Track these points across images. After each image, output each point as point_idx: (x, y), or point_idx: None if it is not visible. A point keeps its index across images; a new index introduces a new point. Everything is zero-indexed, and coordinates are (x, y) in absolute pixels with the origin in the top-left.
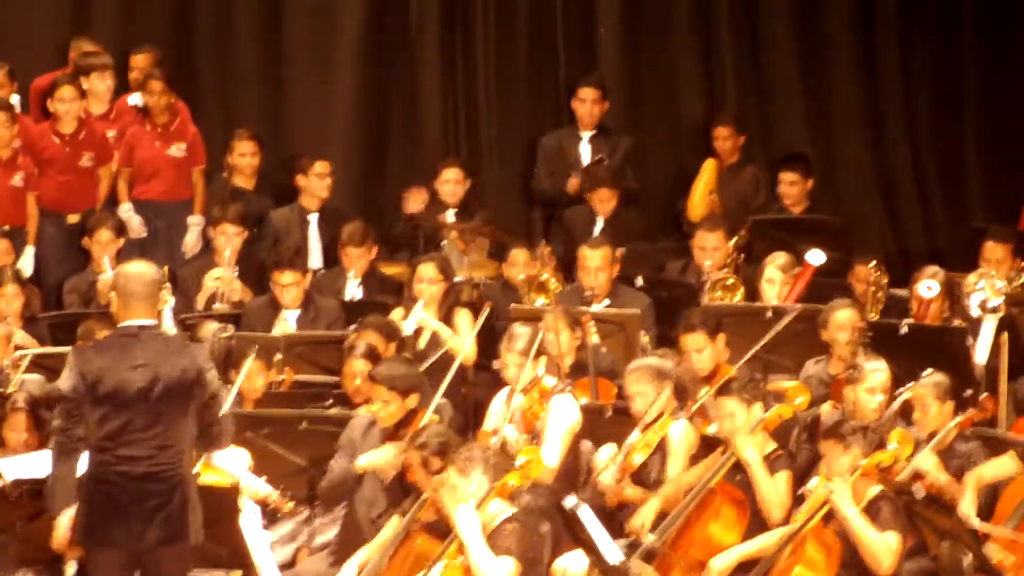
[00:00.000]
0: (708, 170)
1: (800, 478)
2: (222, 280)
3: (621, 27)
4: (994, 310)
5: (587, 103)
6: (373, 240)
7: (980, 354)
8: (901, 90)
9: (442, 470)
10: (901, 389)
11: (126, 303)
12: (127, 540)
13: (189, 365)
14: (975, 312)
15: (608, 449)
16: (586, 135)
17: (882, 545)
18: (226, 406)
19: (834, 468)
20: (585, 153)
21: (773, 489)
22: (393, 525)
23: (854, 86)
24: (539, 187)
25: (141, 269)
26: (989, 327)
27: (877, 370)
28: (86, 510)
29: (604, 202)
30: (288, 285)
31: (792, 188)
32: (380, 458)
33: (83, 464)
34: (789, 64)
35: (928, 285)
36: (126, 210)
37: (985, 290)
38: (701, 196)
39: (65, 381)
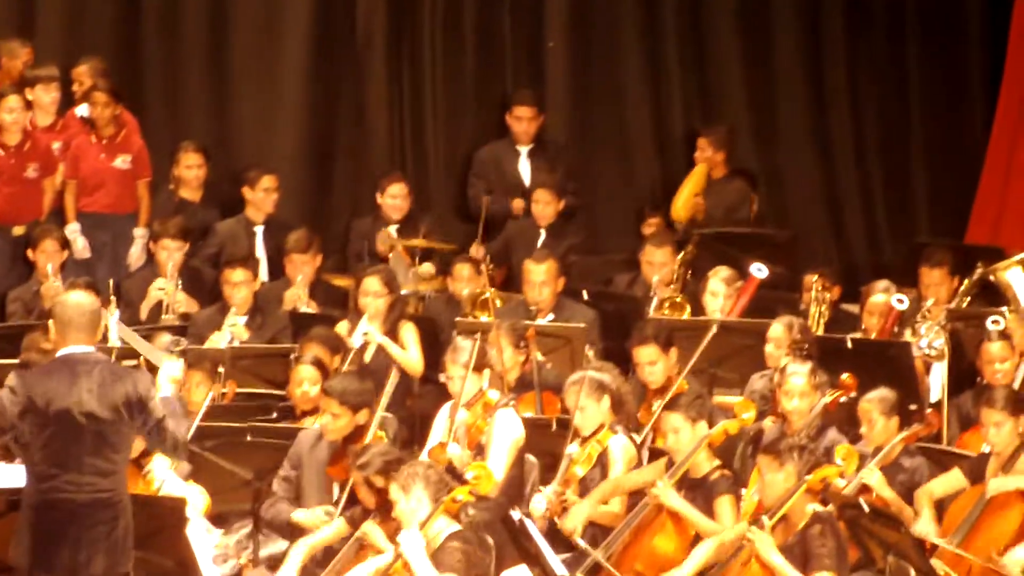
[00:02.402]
0: (697, 174)
1: None
2: (165, 292)
3: (568, 41)
4: (939, 350)
5: (523, 121)
6: (318, 248)
7: (934, 394)
8: (847, 105)
9: (386, 491)
10: (826, 396)
11: (64, 331)
12: (72, 568)
13: (132, 392)
14: (925, 352)
15: (542, 497)
16: (524, 150)
17: None
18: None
19: (768, 483)
20: (524, 169)
21: (711, 526)
22: (337, 526)
23: (800, 101)
24: (476, 202)
25: (80, 299)
26: (939, 368)
27: (793, 373)
28: (30, 536)
29: (541, 204)
30: (239, 284)
31: None
32: (325, 535)
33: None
34: (736, 79)
35: (899, 299)
36: (73, 230)
37: (928, 334)
38: (686, 198)
39: (5, 404)
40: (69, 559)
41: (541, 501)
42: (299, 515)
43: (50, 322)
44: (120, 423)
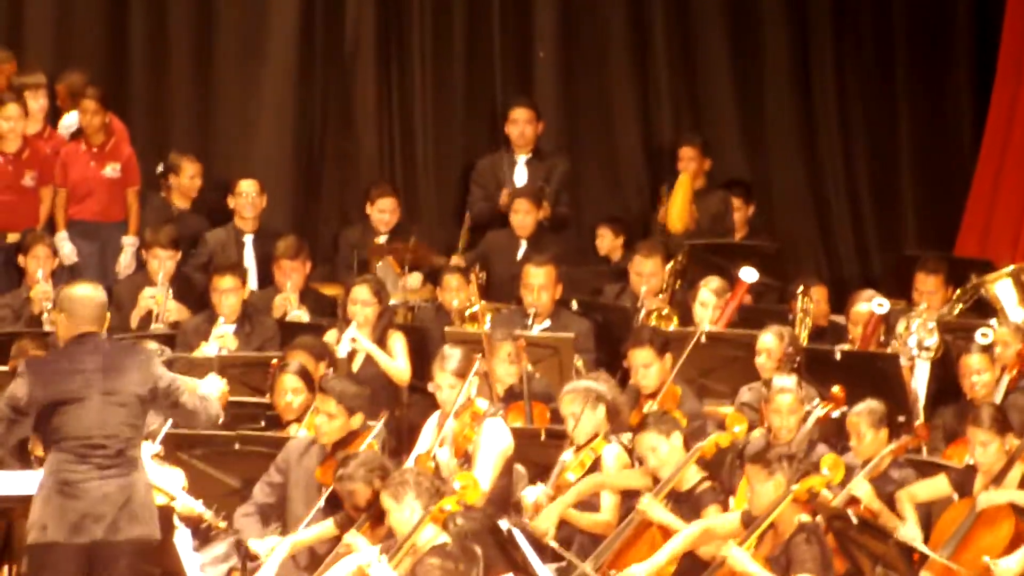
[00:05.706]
0: (685, 183)
1: None
2: (156, 300)
3: (558, 50)
4: (929, 349)
5: (519, 124)
6: (307, 255)
7: (920, 394)
8: (836, 117)
9: (371, 500)
10: (808, 407)
11: (73, 323)
12: (94, 533)
13: (145, 371)
14: (914, 352)
15: (535, 489)
16: (522, 158)
17: None
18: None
19: (757, 492)
20: (520, 176)
21: (696, 537)
22: (324, 527)
23: (789, 112)
24: (474, 210)
25: (88, 292)
26: (926, 367)
27: (781, 391)
28: (51, 507)
29: (521, 214)
30: (227, 291)
31: (736, 214)
32: (310, 534)
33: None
34: (725, 89)
35: (879, 303)
36: (61, 238)
37: (919, 331)
38: (681, 208)
39: (16, 388)
40: (93, 525)
41: (533, 494)
42: (254, 544)
43: (61, 315)
44: (131, 399)
